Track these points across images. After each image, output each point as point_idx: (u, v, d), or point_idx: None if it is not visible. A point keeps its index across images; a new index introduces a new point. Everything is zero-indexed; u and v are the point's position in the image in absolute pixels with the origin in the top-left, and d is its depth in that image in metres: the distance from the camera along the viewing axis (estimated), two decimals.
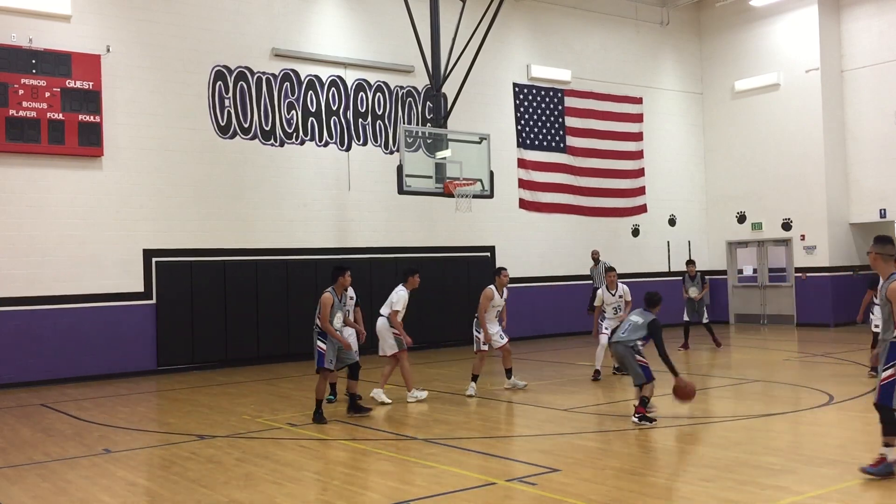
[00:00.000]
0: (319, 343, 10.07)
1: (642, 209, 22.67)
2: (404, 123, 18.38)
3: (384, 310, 11.46)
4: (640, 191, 22.67)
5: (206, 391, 13.12)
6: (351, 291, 11.24)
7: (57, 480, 7.52)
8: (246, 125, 16.61)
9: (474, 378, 11.84)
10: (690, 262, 17.64)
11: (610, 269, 13.47)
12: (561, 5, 21.41)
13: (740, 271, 23.10)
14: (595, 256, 19.32)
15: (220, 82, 16.33)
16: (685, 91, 23.83)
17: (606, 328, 13.00)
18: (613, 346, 9.89)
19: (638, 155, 22.67)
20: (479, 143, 15.21)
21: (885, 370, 6.71)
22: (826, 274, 20.99)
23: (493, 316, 11.91)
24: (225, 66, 16.40)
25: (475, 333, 11.85)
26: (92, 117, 14.79)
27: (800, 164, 21.61)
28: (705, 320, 16.87)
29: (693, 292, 16.89)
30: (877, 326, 13.14)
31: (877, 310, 13.12)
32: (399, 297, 11.38)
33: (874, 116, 20.85)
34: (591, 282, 19.59)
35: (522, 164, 20.48)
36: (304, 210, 17.18)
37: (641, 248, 22.34)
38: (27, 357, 14.19)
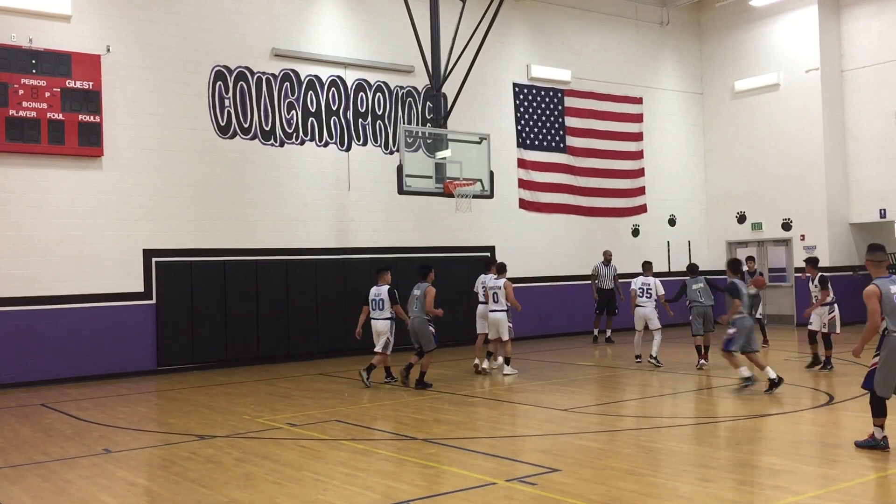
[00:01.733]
0: (431, 328, 12.51)
1: (642, 209, 22.67)
2: (404, 123, 18.38)
3: (500, 304, 13.68)
4: (640, 191, 22.67)
5: (206, 391, 13.12)
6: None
7: (57, 480, 7.52)
8: (246, 125, 16.61)
9: (508, 360, 13.82)
10: (750, 259, 17.71)
11: (648, 264, 15.28)
12: (561, 5, 21.42)
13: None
14: (608, 257, 19.25)
15: (220, 82, 16.33)
16: (685, 91, 23.83)
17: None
18: (704, 310, 13.99)
19: (638, 155, 22.68)
20: (479, 143, 15.20)
21: (872, 358, 7.76)
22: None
23: None
24: (225, 66, 16.40)
25: (509, 323, 13.68)
26: (92, 117, 14.79)
27: (800, 164, 21.61)
28: (759, 315, 17.19)
29: (752, 289, 17.11)
30: (810, 323, 13.30)
31: (819, 310, 13.26)
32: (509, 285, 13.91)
33: (874, 116, 20.85)
34: (591, 281, 19.51)
35: (522, 164, 20.47)
36: (304, 210, 17.18)
37: (641, 248, 22.31)
38: (27, 357, 14.19)
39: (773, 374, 11.14)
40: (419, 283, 12.79)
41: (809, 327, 13.49)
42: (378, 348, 12.87)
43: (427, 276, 12.82)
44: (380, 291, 12.82)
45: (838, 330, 13.08)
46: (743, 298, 11.48)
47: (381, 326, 12.74)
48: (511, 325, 13.77)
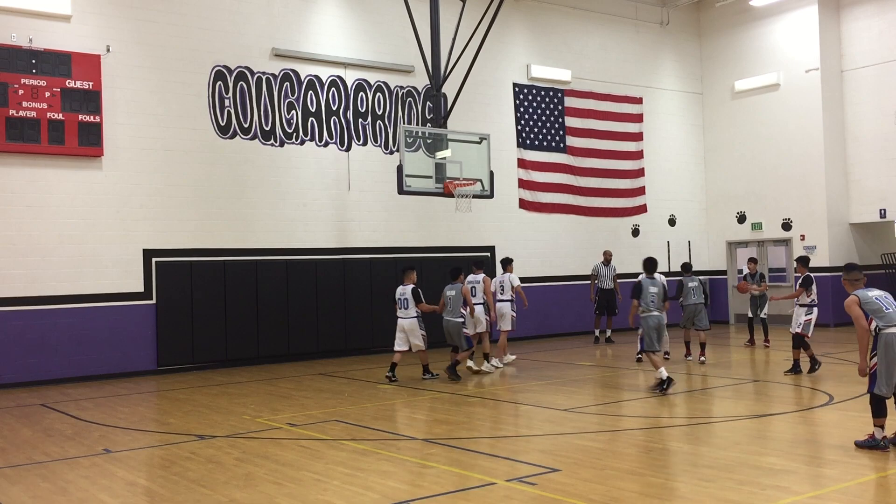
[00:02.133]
0: (466, 330, 13.42)
1: (642, 209, 22.68)
2: (404, 123, 18.38)
3: (476, 298, 14.05)
4: (640, 191, 22.67)
5: (206, 391, 13.12)
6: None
7: (57, 480, 7.52)
8: (246, 125, 16.61)
9: (487, 357, 14.26)
10: (752, 260, 17.64)
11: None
12: (561, 5, 21.41)
13: (740, 271, 23.05)
14: (608, 257, 19.23)
15: (220, 82, 16.33)
16: (685, 91, 23.83)
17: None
18: (695, 307, 14.60)
19: (638, 155, 22.68)
20: (479, 143, 15.22)
21: (871, 360, 7.81)
22: (826, 274, 20.94)
23: None
24: (225, 66, 16.40)
25: (486, 318, 14.03)
26: (92, 117, 14.79)
27: (800, 164, 21.61)
28: (763, 315, 17.25)
29: (754, 289, 17.11)
30: (791, 325, 13.19)
31: (797, 309, 13.09)
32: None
33: (874, 116, 20.86)
34: (591, 281, 19.49)
35: (522, 164, 20.48)
36: (304, 210, 17.18)
37: (641, 247, 22.29)
38: (27, 357, 14.19)
39: (664, 376, 11.41)
40: (451, 285, 13.41)
41: (790, 329, 13.35)
42: (397, 347, 13.36)
43: (458, 277, 13.49)
44: (405, 291, 13.27)
45: (810, 333, 12.87)
46: (643, 297, 11.55)
47: (408, 324, 13.23)
48: (514, 315, 14.80)
